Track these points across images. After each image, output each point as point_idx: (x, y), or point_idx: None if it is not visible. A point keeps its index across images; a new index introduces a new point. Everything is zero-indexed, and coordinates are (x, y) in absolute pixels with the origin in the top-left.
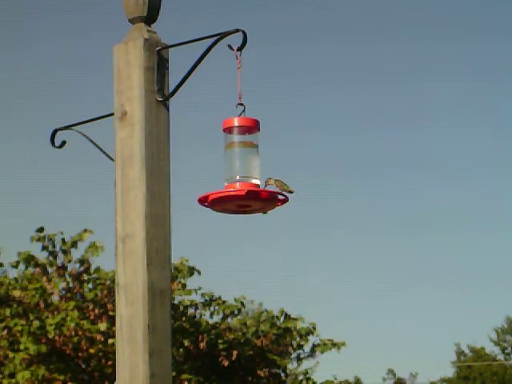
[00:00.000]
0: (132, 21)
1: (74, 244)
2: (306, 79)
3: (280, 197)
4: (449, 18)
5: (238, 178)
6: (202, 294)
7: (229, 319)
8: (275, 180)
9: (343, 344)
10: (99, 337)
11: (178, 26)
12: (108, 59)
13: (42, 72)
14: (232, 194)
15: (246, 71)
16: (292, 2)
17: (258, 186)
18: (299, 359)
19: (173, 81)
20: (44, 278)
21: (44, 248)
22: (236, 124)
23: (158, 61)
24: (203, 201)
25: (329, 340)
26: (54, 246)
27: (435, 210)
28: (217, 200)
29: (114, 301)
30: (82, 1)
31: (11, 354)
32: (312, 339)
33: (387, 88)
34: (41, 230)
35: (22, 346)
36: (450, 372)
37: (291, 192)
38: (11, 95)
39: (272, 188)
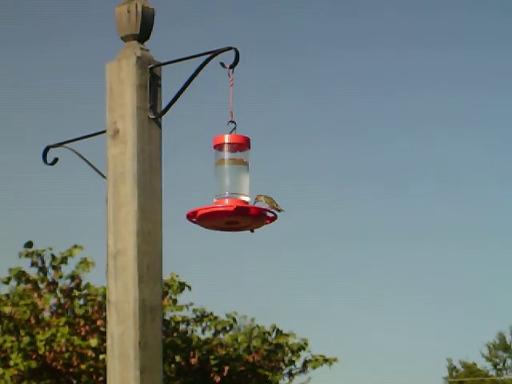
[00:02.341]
0: (124, 38)
1: (64, 260)
2: (299, 92)
3: (269, 214)
4: (447, 27)
5: (227, 194)
6: (194, 310)
7: (220, 335)
8: (265, 197)
9: (335, 360)
10: (90, 353)
11: (170, 43)
12: (101, 76)
13: (33, 89)
14: (221, 209)
15: (239, 87)
16: (287, 15)
17: (247, 202)
18: (291, 375)
19: (165, 98)
20: (35, 294)
21: (33, 264)
22: (227, 141)
23: (151, 78)
24: (192, 216)
25: (320, 356)
26: (43, 262)
27: (428, 223)
28: (205, 215)
29: (104, 317)
30: (76, 18)
31: (1, 371)
32: (304, 355)
33: (381, 98)
34: (29, 244)
35: (11, 362)
36: None
37: (280, 210)
38: (4, 111)
39: (261, 205)
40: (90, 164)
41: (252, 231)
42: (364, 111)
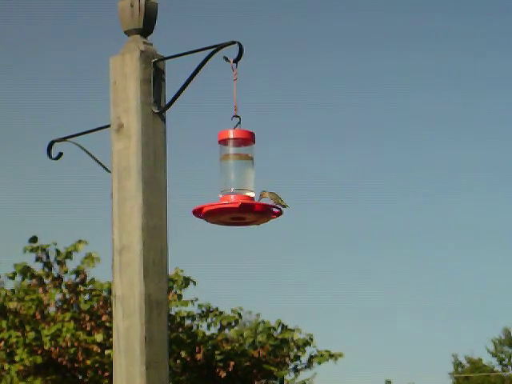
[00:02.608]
0: (128, 33)
1: (69, 255)
2: (305, 91)
3: (274, 210)
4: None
5: (232, 190)
6: (199, 305)
7: (226, 330)
8: (270, 193)
9: (340, 355)
10: (95, 348)
11: (174, 37)
12: (105, 70)
13: (38, 83)
14: (226, 206)
15: (243, 83)
16: (290, 13)
17: (252, 198)
18: (296, 370)
19: (169, 92)
20: (40, 289)
21: (38, 259)
22: (231, 136)
23: (155, 73)
24: (197, 212)
25: (326, 351)
26: (48, 257)
27: (431, 221)
28: (211, 212)
29: (109, 312)
30: (79, 13)
31: (6, 366)
32: (309, 350)
33: (389, 97)
34: (34, 239)
35: (17, 358)
36: (447, 383)
37: (285, 206)
38: (8, 106)
39: (266, 201)
40: (94, 158)
41: (258, 224)
42: (368, 112)
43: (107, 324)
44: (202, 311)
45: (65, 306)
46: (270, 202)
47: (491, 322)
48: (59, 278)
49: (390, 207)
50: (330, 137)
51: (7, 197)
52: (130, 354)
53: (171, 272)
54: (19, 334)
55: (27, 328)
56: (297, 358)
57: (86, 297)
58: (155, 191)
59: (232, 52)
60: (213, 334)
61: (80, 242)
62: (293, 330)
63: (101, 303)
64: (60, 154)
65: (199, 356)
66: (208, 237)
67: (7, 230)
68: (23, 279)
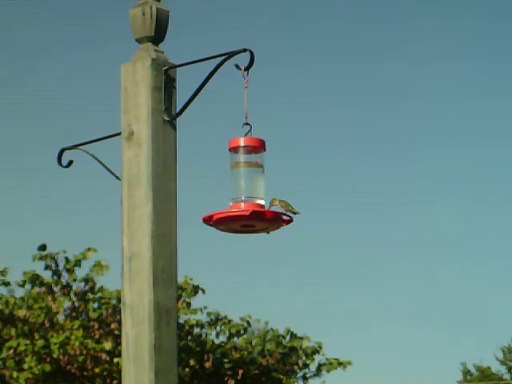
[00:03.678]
0: (139, 40)
1: (78, 263)
2: (315, 98)
3: (284, 217)
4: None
5: (242, 198)
6: (208, 313)
7: (235, 338)
8: (280, 200)
9: (349, 363)
10: (104, 356)
11: (185, 45)
12: (116, 78)
13: (48, 90)
14: (236, 214)
15: (254, 90)
16: (302, 22)
17: (262, 206)
18: (305, 378)
19: (180, 100)
20: (49, 297)
21: (47, 267)
22: (242, 144)
23: (166, 80)
24: (208, 220)
25: (335, 359)
26: (57, 265)
27: (441, 228)
28: (221, 220)
29: (118, 320)
30: (90, 20)
31: (15, 374)
32: (318, 358)
33: (397, 106)
34: (43, 247)
35: (26, 366)
36: None
37: (295, 213)
38: (18, 113)
39: (277, 208)
40: (104, 166)
41: (268, 233)
42: (375, 118)
43: (116, 332)
44: (211, 319)
45: (74, 314)
46: (281, 210)
47: (500, 330)
48: (68, 286)
49: (403, 211)
50: (342, 144)
51: (17, 203)
52: (139, 361)
53: (180, 280)
54: (28, 341)
55: (36, 336)
56: (305, 366)
57: (95, 305)
58: (165, 199)
59: (243, 60)
60: (221, 342)
61: (89, 249)
62: (301, 338)
63: (110, 311)
64: (70, 162)
65: (208, 364)
66: (217, 245)
67: (16, 236)
68: (32, 287)
